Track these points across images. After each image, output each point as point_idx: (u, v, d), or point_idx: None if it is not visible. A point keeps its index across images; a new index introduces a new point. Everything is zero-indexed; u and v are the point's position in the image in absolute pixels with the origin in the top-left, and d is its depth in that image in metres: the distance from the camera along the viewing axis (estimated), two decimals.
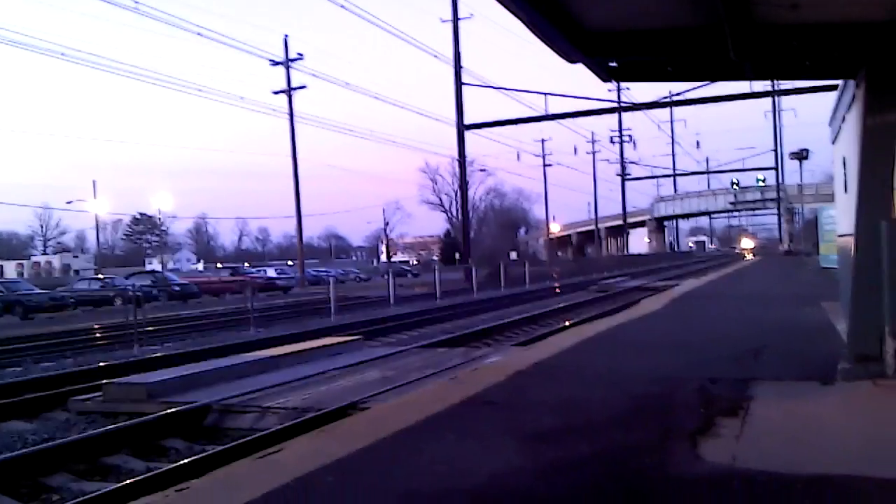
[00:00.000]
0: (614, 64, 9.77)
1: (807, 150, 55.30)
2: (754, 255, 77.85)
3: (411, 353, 12.40)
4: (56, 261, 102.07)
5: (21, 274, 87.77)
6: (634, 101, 50.07)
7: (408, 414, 5.48)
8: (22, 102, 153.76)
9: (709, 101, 40.57)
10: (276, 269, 55.15)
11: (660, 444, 4.40)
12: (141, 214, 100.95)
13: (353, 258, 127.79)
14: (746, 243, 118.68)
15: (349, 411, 7.25)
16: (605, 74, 10.32)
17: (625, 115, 69.08)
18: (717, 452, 4.23)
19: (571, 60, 9.26)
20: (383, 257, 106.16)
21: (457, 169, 49.52)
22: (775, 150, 72.97)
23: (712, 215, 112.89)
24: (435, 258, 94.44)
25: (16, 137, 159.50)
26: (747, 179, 73.13)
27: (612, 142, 78.15)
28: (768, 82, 39.64)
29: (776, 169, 72.03)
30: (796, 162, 55.51)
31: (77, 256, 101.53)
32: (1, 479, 6.34)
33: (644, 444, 4.44)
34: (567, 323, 18.17)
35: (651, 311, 14.03)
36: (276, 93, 46.81)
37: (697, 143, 78.54)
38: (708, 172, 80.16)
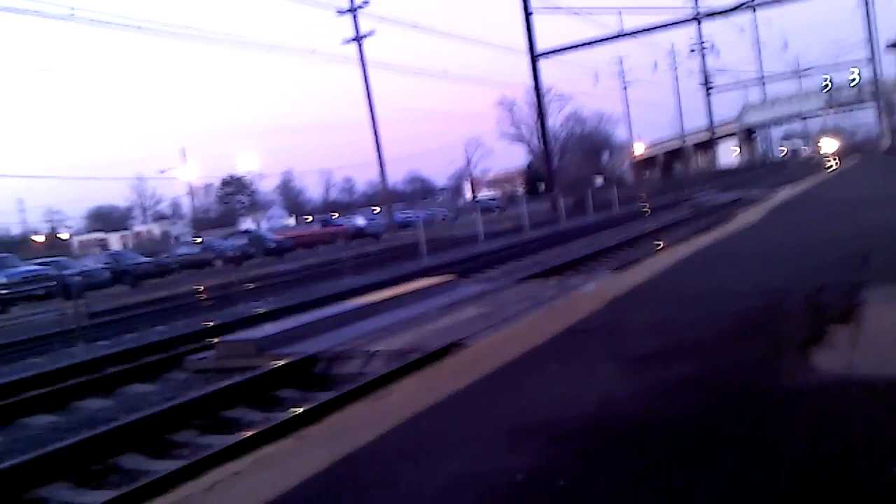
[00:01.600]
0: None
1: None
2: (837, 160, 61.58)
3: (506, 288, 12.44)
4: (155, 229, 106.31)
5: (125, 245, 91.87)
6: (712, 9, 47.89)
7: (508, 348, 5.52)
8: (107, 79, 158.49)
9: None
10: (364, 217, 55.97)
11: (770, 358, 4.30)
12: (230, 176, 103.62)
13: (439, 198, 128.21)
14: (828, 144, 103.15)
15: (451, 350, 7.36)
16: None
17: (705, 23, 66.21)
18: (832, 361, 4.11)
19: None
20: (468, 195, 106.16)
21: (534, 99, 48.61)
22: (870, 42, 68.86)
23: (806, 118, 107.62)
24: (519, 191, 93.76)
25: (106, 114, 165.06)
26: (841, 77, 69.42)
27: (692, 52, 75.37)
28: None
29: (872, 62, 68.06)
30: (894, 54, 52.28)
31: (174, 223, 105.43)
32: (131, 437, 6.74)
33: (753, 358, 4.35)
34: (661, 244, 17.85)
35: (748, 224, 13.63)
36: (346, 42, 46.79)
37: (785, 43, 74.87)
38: (798, 74, 76.54)
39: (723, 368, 4.26)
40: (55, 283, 24.23)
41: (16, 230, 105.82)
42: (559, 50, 46.33)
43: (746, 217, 15.69)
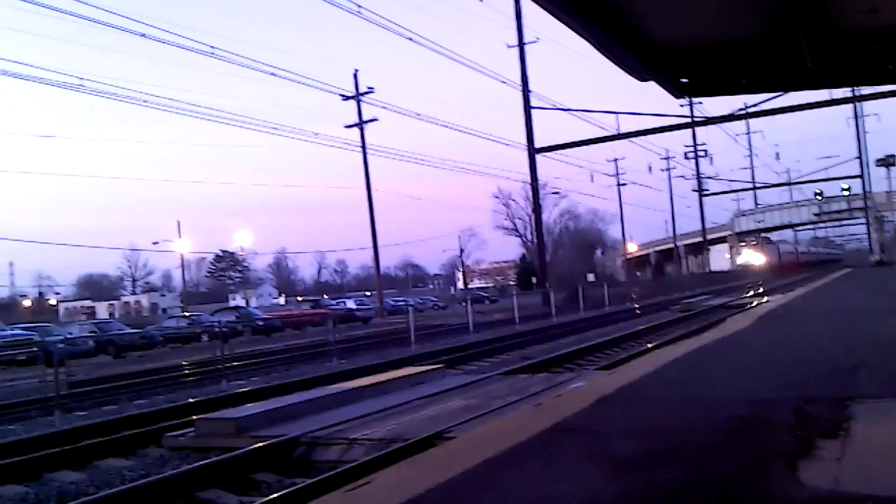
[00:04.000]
0: (686, 80, 9.64)
1: (893, 156, 53.35)
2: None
3: (493, 381, 12.34)
4: (144, 300, 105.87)
5: (112, 314, 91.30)
6: (707, 115, 49.18)
7: (493, 443, 5.44)
8: (108, 149, 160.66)
9: (786, 112, 39.46)
10: (355, 301, 55.87)
11: (756, 469, 4.26)
12: (223, 252, 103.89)
13: (431, 286, 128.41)
14: (750, 257, 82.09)
15: (435, 441, 7.25)
16: (676, 91, 10.18)
17: (699, 129, 67.91)
18: (818, 476, 4.06)
19: (642, 79, 9.19)
20: (460, 284, 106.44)
21: (529, 193, 49.41)
22: (859, 158, 70.63)
23: (796, 228, 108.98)
24: (511, 283, 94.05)
25: (104, 183, 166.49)
26: (831, 189, 70.76)
27: (686, 157, 76.96)
28: (848, 89, 38.38)
29: (861, 177, 69.62)
30: (883, 169, 53.57)
31: (164, 295, 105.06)
32: None
33: (739, 468, 4.30)
34: (650, 345, 17.83)
35: (737, 330, 13.64)
36: (348, 126, 47.73)
37: (777, 154, 76.46)
38: (789, 184, 78.04)
39: (710, 477, 4.20)
40: (38, 349, 23.93)
41: (4, 293, 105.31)
42: (557, 147, 47.21)
43: (736, 323, 15.73)
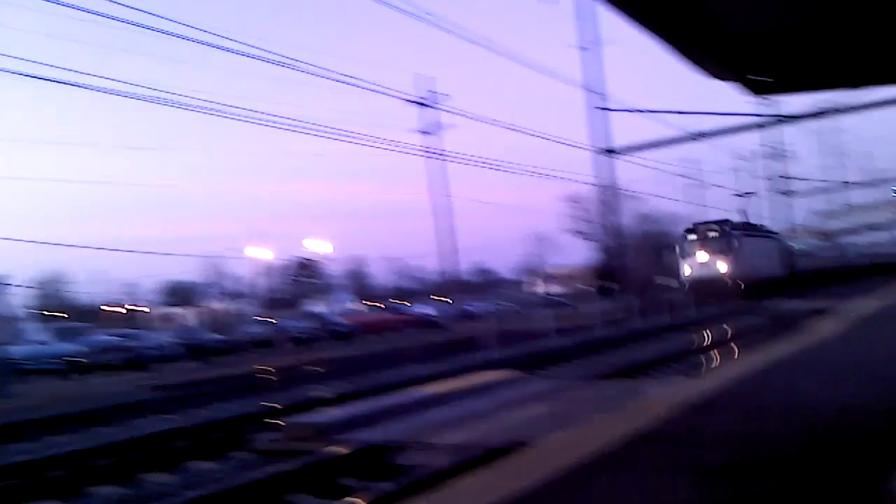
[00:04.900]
0: (768, 78, 9.40)
1: None
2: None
3: (574, 387, 12.25)
4: (229, 306, 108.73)
5: (199, 320, 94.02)
6: (783, 113, 47.70)
7: (576, 450, 5.42)
8: (188, 159, 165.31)
9: (870, 108, 38.07)
10: (433, 306, 56.14)
11: (846, 479, 4.13)
12: (302, 258, 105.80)
13: (505, 291, 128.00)
14: (702, 265, 46.21)
15: (516, 447, 7.24)
16: (756, 90, 9.92)
17: (777, 127, 65.79)
18: None
19: (722, 79, 9.00)
20: (535, 289, 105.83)
21: (603, 196, 48.78)
22: None
23: (877, 229, 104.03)
24: (587, 287, 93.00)
25: (186, 193, 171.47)
26: None
27: (764, 157, 74.72)
28: None
29: None
30: None
31: (248, 302, 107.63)
32: None
33: (827, 478, 4.18)
34: (736, 351, 17.40)
35: (827, 335, 13.21)
36: (422, 133, 47.99)
37: (865, 153, 73.26)
38: (877, 183, 74.82)
39: (796, 487, 4.10)
40: (131, 354, 24.91)
41: (97, 300, 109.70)
42: (631, 148, 46.53)
43: (825, 327, 15.22)
